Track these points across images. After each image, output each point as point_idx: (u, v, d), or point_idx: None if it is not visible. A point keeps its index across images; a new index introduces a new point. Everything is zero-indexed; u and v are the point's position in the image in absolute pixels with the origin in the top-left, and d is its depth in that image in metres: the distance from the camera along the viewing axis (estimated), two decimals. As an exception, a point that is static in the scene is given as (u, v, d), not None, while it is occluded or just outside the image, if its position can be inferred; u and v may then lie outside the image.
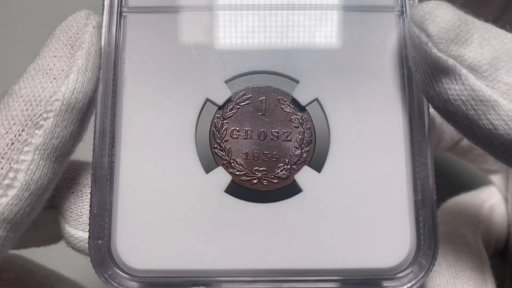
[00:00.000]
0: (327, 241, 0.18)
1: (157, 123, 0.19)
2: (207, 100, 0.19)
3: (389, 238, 0.18)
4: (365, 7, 0.20)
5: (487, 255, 0.23)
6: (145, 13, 0.20)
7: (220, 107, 0.19)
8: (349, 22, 0.20)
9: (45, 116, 0.17)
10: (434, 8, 0.17)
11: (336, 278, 0.18)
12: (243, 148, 0.19)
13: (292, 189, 0.19)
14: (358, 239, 0.18)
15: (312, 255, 0.18)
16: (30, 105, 0.17)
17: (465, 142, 0.25)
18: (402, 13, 0.20)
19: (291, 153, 0.19)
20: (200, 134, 0.19)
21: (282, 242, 0.18)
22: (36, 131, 0.17)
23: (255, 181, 0.19)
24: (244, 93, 0.19)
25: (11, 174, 0.16)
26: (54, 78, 0.17)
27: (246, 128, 0.19)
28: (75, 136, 0.18)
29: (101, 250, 0.18)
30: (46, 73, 0.17)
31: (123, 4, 0.20)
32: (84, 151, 0.19)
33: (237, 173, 0.19)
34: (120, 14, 0.20)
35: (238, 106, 0.19)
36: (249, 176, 0.19)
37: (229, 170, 0.19)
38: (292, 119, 0.19)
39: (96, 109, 0.19)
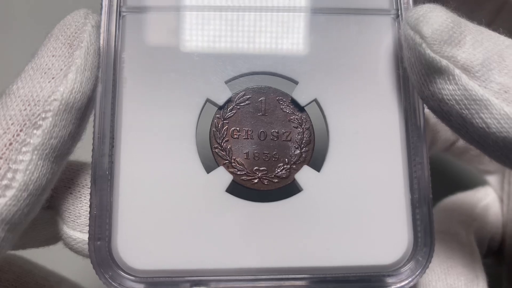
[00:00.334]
0: (327, 239, 0.18)
1: (157, 123, 0.19)
2: (207, 100, 0.19)
3: (387, 235, 0.19)
4: (362, 11, 0.20)
5: (480, 253, 0.23)
6: (145, 13, 0.20)
7: (220, 108, 0.19)
8: (346, 25, 0.20)
9: (43, 116, 0.17)
10: (428, 11, 0.17)
11: (335, 275, 0.18)
12: (244, 148, 0.19)
13: (292, 189, 0.19)
14: (357, 237, 0.19)
15: (313, 253, 0.18)
16: (28, 105, 0.17)
17: (461, 142, 0.26)
18: (397, 16, 0.20)
19: (290, 153, 0.19)
20: (200, 134, 0.19)
21: (283, 240, 0.18)
22: (35, 131, 0.17)
23: (256, 181, 0.19)
24: (244, 94, 0.19)
25: (9, 175, 0.16)
26: (53, 78, 0.17)
27: (246, 128, 0.19)
28: (74, 136, 0.18)
29: (101, 251, 0.18)
30: (45, 73, 0.17)
31: (122, 4, 0.20)
32: (83, 152, 0.19)
33: (238, 172, 0.19)
34: (119, 14, 0.20)
35: (238, 107, 0.19)
36: (249, 176, 0.19)
37: (230, 170, 0.19)
38: (291, 119, 0.19)
39: (95, 109, 0.19)
